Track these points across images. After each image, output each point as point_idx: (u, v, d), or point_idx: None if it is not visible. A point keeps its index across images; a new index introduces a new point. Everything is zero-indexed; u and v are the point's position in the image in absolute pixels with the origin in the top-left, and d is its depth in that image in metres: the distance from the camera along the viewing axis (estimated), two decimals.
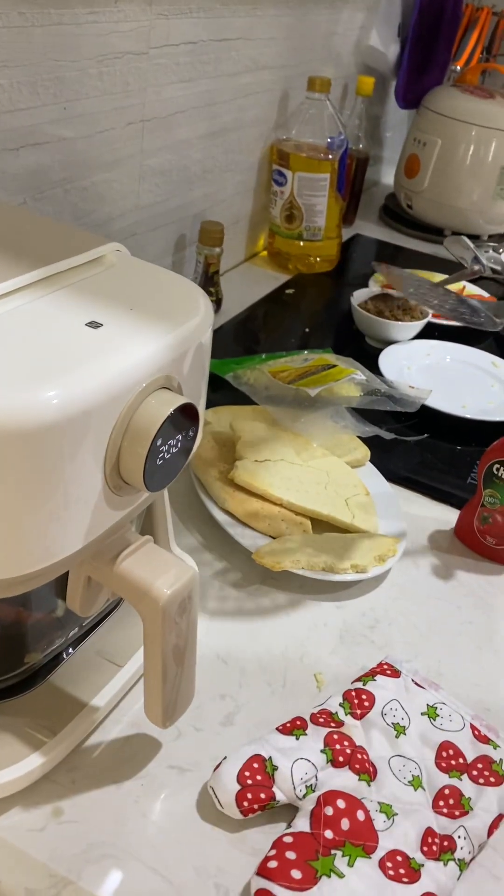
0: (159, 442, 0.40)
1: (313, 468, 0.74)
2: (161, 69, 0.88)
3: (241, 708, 0.54)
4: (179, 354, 0.42)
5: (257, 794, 0.47)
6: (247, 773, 0.47)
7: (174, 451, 0.42)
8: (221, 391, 0.88)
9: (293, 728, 0.51)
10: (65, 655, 0.52)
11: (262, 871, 0.43)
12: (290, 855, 0.44)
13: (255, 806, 0.47)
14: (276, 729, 0.51)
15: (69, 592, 0.46)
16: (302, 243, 1.24)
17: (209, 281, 1.04)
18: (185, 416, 0.41)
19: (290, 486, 0.71)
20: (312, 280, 1.24)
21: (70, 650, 0.52)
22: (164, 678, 0.45)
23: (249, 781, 0.47)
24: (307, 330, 1.09)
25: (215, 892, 0.44)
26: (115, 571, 0.43)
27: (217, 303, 1.06)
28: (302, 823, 0.46)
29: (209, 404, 0.84)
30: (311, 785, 0.48)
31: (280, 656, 0.59)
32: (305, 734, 0.51)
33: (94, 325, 0.40)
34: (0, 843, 0.44)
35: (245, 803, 0.46)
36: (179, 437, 0.42)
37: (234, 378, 0.90)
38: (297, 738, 0.50)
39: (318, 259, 1.25)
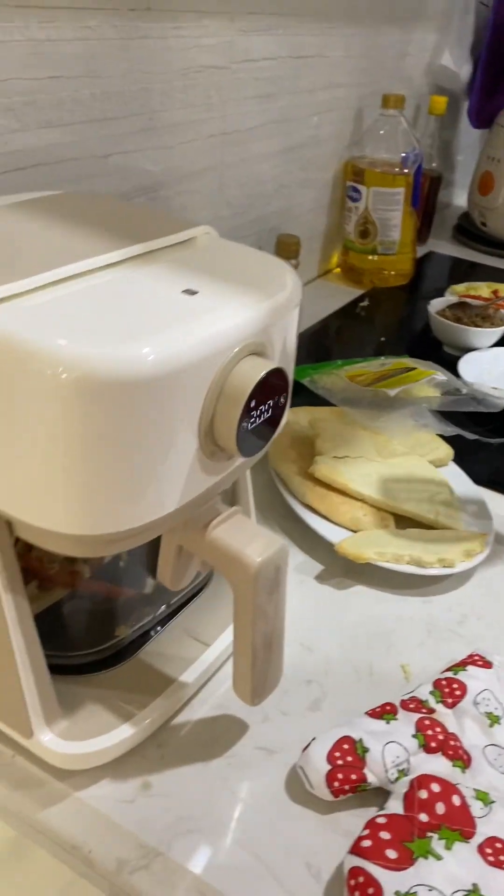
0: (252, 404, 0.40)
1: (395, 465, 0.73)
2: (241, 84, 0.90)
3: (327, 694, 0.53)
4: (270, 323, 0.42)
5: (348, 774, 0.46)
6: (337, 754, 0.46)
7: (266, 416, 0.42)
8: (298, 396, 0.88)
9: (383, 713, 0.50)
10: (153, 633, 0.52)
11: (356, 850, 0.42)
12: (385, 835, 0.42)
13: (346, 787, 0.45)
14: (366, 713, 0.50)
15: (160, 563, 0.47)
16: (376, 258, 1.24)
17: None
18: (277, 382, 0.42)
19: (371, 482, 0.70)
20: (387, 293, 1.24)
21: (159, 628, 0.52)
22: (253, 651, 0.44)
23: (340, 762, 0.46)
24: (383, 339, 1.08)
25: (307, 871, 0.43)
26: (207, 539, 0.44)
27: None
28: (395, 806, 0.44)
29: None
30: (404, 769, 0.46)
31: (365, 646, 0.58)
32: (396, 719, 0.49)
33: (190, 292, 0.41)
34: (91, 813, 0.44)
35: (336, 783, 0.45)
36: (271, 402, 0.42)
37: (310, 382, 0.91)
38: (388, 723, 0.49)
39: (392, 273, 1.25)
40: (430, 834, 0.43)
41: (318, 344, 1.06)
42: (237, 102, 0.91)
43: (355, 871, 0.41)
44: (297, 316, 0.46)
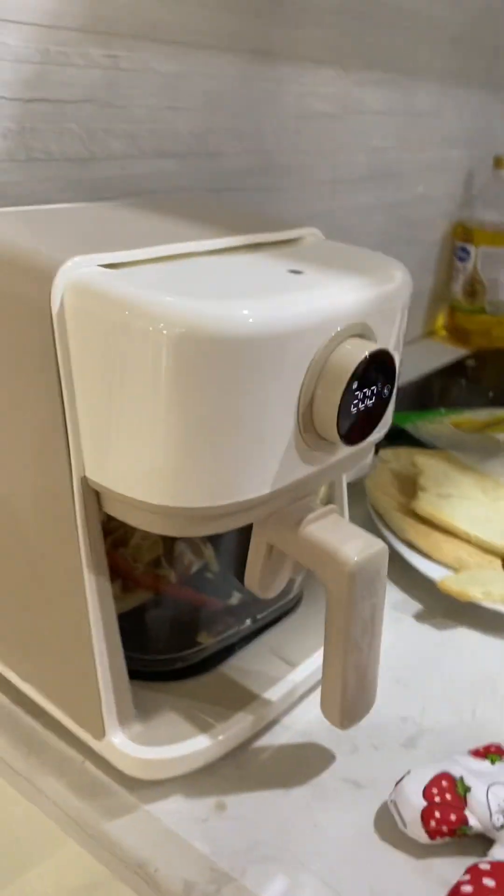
0: (355, 385, 0.38)
1: (503, 508, 0.69)
2: (352, 134, 0.92)
3: (424, 732, 0.48)
4: (377, 309, 0.41)
5: (447, 814, 0.40)
6: (434, 790, 0.41)
7: (369, 403, 0.40)
8: (399, 440, 0.85)
9: (487, 753, 0.44)
10: (237, 649, 0.49)
11: (454, 895, 0.36)
12: (489, 882, 0.37)
13: (444, 828, 0.40)
14: (469, 751, 0.45)
15: (249, 564, 0.44)
16: (484, 318, 1.21)
17: None
18: (382, 366, 0.39)
19: (476, 522, 0.66)
20: (495, 354, 1.20)
21: (244, 645, 0.49)
22: (346, 665, 0.41)
23: (437, 799, 0.41)
24: (491, 395, 1.04)
25: None
26: (300, 535, 0.41)
27: None
28: (501, 853, 0.39)
29: (386, 447, 0.82)
30: None
31: (467, 688, 0.52)
32: (502, 761, 0.44)
33: (296, 272, 0.40)
34: (160, 829, 0.41)
35: (432, 823, 0.40)
36: (375, 390, 0.40)
37: (413, 427, 0.88)
38: (493, 763, 0.44)
39: (500, 334, 1.22)
40: None
41: (422, 397, 1.03)
42: (348, 152, 0.92)
43: None
44: (404, 315, 0.44)
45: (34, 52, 0.56)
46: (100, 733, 0.42)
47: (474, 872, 0.38)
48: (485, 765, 0.43)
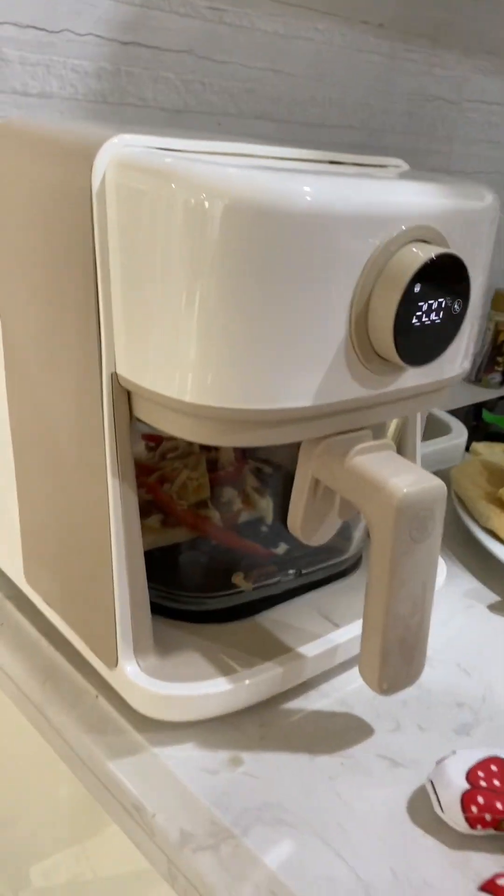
0: (416, 289, 0.34)
1: None
2: (471, 124, 0.88)
3: (481, 722, 0.42)
4: (452, 214, 0.36)
5: (491, 801, 0.34)
6: (480, 773, 0.35)
7: (435, 319, 0.35)
8: (496, 439, 0.79)
9: None
10: (279, 602, 0.45)
11: (489, 887, 0.31)
12: None
13: (487, 817, 0.34)
14: None
15: (292, 502, 0.40)
16: None
17: (497, 350, 0.98)
18: (452, 276, 0.35)
19: None
20: None
21: (287, 599, 0.45)
22: (389, 617, 0.36)
23: (483, 783, 0.35)
24: None
25: None
26: (346, 465, 0.37)
27: (503, 374, 0.99)
28: None
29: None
30: None
31: None
32: None
33: (363, 174, 0.37)
34: (164, 774, 0.37)
35: (474, 808, 0.34)
36: (442, 302, 0.35)
37: None
38: None
39: None
40: None
41: None
42: (465, 142, 0.88)
43: None
44: (492, 235, 0.40)
45: None
46: (112, 661, 0.38)
47: None
48: None
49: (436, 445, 0.69)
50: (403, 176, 0.39)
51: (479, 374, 0.99)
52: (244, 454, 0.49)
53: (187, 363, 0.33)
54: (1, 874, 0.68)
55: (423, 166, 0.84)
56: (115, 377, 0.36)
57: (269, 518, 0.48)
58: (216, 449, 0.48)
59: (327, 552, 0.48)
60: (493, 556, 0.56)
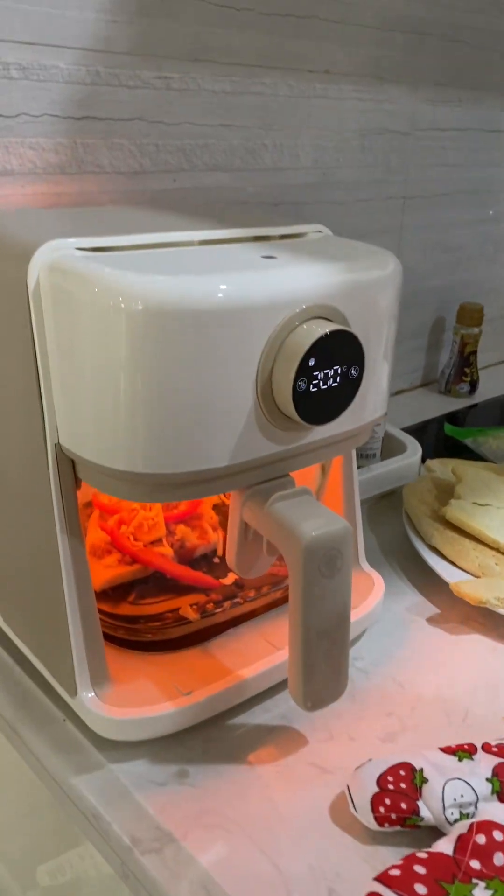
0: (311, 363, 0.39)
1: None
2: (425, 151, 0.92)
3: (407, 729, 0.48)
4: (350, 291, 0.41)
5: (397, 802, 0.40)
6: (390, 778, 0.41)
7: (332, 384, 0.40)
8: (460, 456, 0.83)
9: (458, 749, 0.43)
10: (227, 629, 0.50)
11: (382, 877, 0.36)
12: (420, 869, 0.36)
13: (393, 815, 0.40)
14: (439, 748, 0.44)
15: (227, 542, 0.45)
16: None
17: (465, 361, 1.02)
18: (347, 347, 0.40)
19: None
20: None
21: (234, 625, 0.50)
22: (305, 642, 0.41)
23: (391, 787, 0.40)
24: None
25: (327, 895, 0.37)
26: (266, 511, 0.42)
27: (472, 384, 1.03)
28: (444, 846, 0.38)
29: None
30: (468, 812, 0.40)
31: (466, 693, 0.51)
32: (472, 759, 0.43)
33: (269, 257, 0.42)
34: (119, 789, 0.43)
35: (381, 809, 0.40)
36: (338, 369, 0.40)
37: (473, 442, 0.86)
38: (460, 760, 0.42)
39: None
40: (475, 881, 0.36)
41: (499, 414, 1.01)
42: (421, 168, 0.93)
43: None
44: (394, 303, 0.45)
45: (85, 74, 0.61)
46: (73, 691, 0.44)
47: (409, 859, 0.37)
48: (450, 760, 0.42)
49: (391, 465, 0.73)
50: (313, 252, 0.44)
51: (448, 386, 1.04)
52: None
53: (117, 438, 0.38)
54: (11, 873, 0.74)
55: (380, 195, 0.89)
56: (58, 447, 0.41)
57: (221, 550, 0.54)
58: None
59: (274, 581, 0.53)
60: (434, 572, 0.61)
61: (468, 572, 0.61)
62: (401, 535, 0.69)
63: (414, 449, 0.76)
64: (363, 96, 0.82)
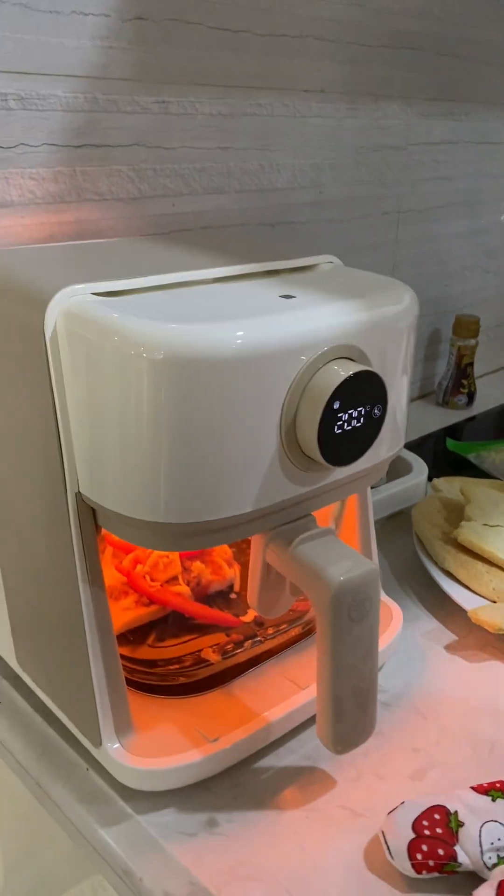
0: (336, 405, 0.38)
1: None
2: (419, 164, 0.92)
3: (435, 765, 0.47)
4: (370, 329, 0.41)
5: (434, 848, 0.39)
6: (425, 823, 0.40)
7: (356, 424, 0.40)
8: (464, 472, 0.83)
9: (491, 788, 0.43)
10: (248, 669, 0.50)
11: None
12: None
13: (431, 863, 0.39)
14: (471, 787, 0.43)
15: (249, 581, 0.45)
16: None
17: (462, 373, 1.02)
18: (370, 387, 0.40)
19: None
20: None
21: (254, 667, 0.50)
22: (335, 687, 0.41)
23: (427, 832, 0.40)
24: None
25: None
26: (290, 554, 0.41)
27: (469, 395, 1.03)
28: (486, 892, 0.37)
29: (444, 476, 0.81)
30: None
31: (490, 724, 0.51)
32: None
33: (288, 296, 0.41)
34: (149, 841, 0.42)
35: (419, 856, 0.39)
36: (362, 410, 0.40)
37: (476, 457, 0.86)
38: (494, 800, 0.42)
39: None
40: None
41: (499, 422, 1.01)
42: (414, 183, 0.92)
43: None
44: (411, 336, 0.44)
45: (83, 101, 0.60)
46: (97, 741, 0.43)
47: None
48: (484, 801, 0.42)
49: (399, 486, 0.73)
50: (330, 289, 0.43)
51: (445, 398, 1.04)
52: None
53: (139, 487, 0.37)
54: None
55: (373, 212, 0.89)
56: (79, 496, 0.40)
57: (238, 585, 0.53)
58: None
59: (292, 618, 0.53)
60: (449, 597, 0.60)
61: (483, 596, 0.61)
62: (411, 557, 0.68)
63: (420, 469, 0.76)
64: (358, 114, 0.82)
